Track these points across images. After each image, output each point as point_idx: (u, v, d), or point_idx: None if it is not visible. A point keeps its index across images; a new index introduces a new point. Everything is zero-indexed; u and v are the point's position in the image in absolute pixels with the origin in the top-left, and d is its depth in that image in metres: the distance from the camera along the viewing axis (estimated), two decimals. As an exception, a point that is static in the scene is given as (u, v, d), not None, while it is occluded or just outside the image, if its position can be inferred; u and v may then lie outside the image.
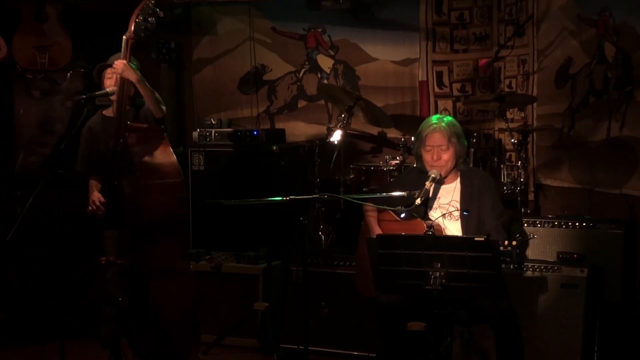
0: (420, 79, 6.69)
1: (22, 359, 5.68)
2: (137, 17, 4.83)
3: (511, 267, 4.99)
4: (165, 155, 4.95)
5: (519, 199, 5.69)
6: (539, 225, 5.37)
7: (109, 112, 5.16)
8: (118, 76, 4.92)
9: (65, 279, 5.45)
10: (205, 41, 7.23)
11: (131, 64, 4.89)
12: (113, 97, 5.02)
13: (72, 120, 6.53)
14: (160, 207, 4.82)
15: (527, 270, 5.12)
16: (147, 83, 4.97)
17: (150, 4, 4.84)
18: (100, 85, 5.17)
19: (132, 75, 4.88)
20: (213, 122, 6.71)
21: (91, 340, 5.53)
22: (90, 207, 5.06)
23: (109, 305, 5.02)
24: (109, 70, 5.10)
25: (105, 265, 4.89)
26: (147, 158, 4.86)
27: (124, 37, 4.87)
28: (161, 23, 6.96)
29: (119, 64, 4.86)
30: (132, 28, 4.83)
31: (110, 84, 5.07)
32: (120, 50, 4.95)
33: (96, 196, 5.05)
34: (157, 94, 5.03)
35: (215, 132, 6.44)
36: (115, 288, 4.93)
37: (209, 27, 7.21)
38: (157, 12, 4.87)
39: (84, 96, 5.05)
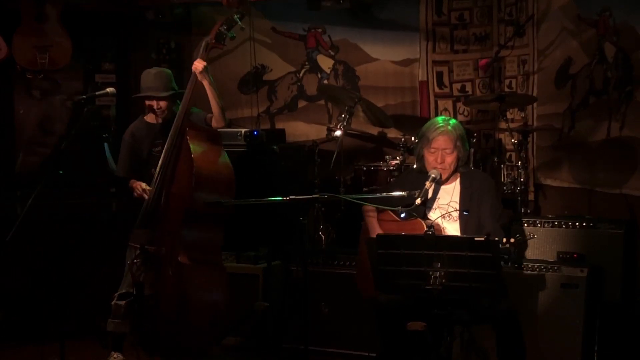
0: (420, 79, 6.68)
1: (22, 359, 5.68)
2: (220, 26, 5.12)
3: (509, 264, 4.98)
4: (220, 155, 5.13)
5: (519, 199, 5.69)
6: (539, 225, 5.38)
7: (150, 118, 5.30)
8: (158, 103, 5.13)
9: (65, 279, 5.46)
10: (205, 41, 7.23)
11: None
12: (151, 120, 5.18)
13: (73, 120, 6.53)
14: (210, 198, 4.94)
15: (527, 270, 5.12)
16: (217, 89, 5.13)
17: (236, 17, 5.09)
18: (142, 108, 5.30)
19: (206, 78, 5.07)
20: (213, 122, 6.71)
21: (91, 340, 5.54)
22: (136, 193, 5.16)
23: (123, 299, 5.05)
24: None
25: (140, 250, 4.91)
26: (204, 153, 5.02)
27: (204, 39, 5.14)
28: (161, 23, 7.02)
29: (200, 63, 5.05)
30: (214, 35, 5.12)
31: (152, 104, 5.19)
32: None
33: (142, 184, 5.15)
34: (222, 103, 5.18)
35: (215, 132, 6.43)
36: (142, 275, 4.95)
37: (209, 27, 7.19)
38: (239, 24, 5.13)
39: (84, 96, 5.08)
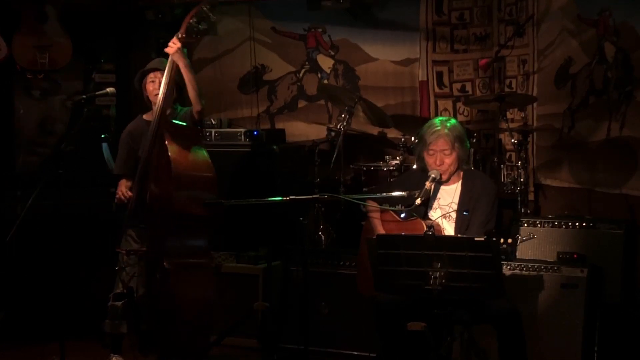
0: (420, 79, 6.68)
1: (22, 359, 5.68)
2: (190, 19, 5.00)
3: (504, 264, 4.99)
4: (199, 153, 5.04)
5: (519, 199, 5.69)
6: (539, 225, 5.37)
7: (149, 117, 5.24)
8: (160, 81, 5.07)
9: (66, 279, 5.45)
10: (205, 41, 7.23)
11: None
12: (148, 118, 5.14)
13: (73, 120, 6.53)
14: (190, 199, 4.88)
15: (526, 270, 5.12)
16: (193, 72, 5.06)
17: (205, 9, 4.99)
18: (141, 91, 5.24)
19: (181, 60, 5.00)
20: (213, 122, 6.71)
21: (91, 340, 5.54)
22: (118, 197, 5.15)
23: (119, 300, 5.05)
24: (151, 74, 5.18)
25: (126, 255, 4.91)
26: (182, 152, 4.94)
27: (175, 36, 5.01)
28: (161, 23, 7.02)
29: (174, 44, 4.97)
30: (184, 29, 5.00)
31: (152, 88, 5.15)
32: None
33: (124, 189, 5.13)
34: (199, 87, 5.10)
35: (215, 132, 6.44)
36: (132, 279, 4.95)
37: (209, 28, 7.20)
38: (210, 17, 5.05)
39: (84, 96, 5.08)
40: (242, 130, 6.43)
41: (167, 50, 5.02)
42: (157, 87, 5.12)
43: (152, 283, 4.90)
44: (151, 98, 5.20)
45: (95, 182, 6.23)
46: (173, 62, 5.01)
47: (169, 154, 4.86)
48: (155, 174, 4.98)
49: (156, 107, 5.05)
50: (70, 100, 6.62)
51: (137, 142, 5.23)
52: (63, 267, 5.31)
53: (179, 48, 4.96)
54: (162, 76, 5.12)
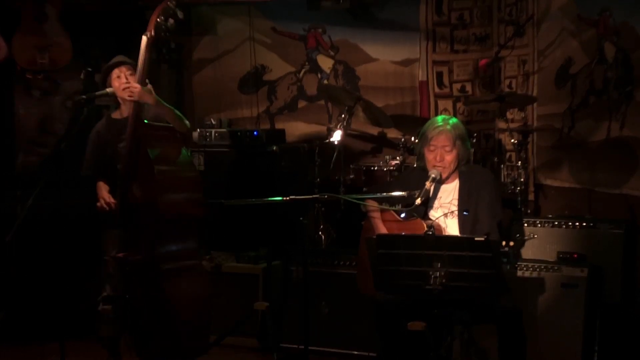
0: (420, 79, 6.68)
1: (22, 359, 5.68)
2: (157, 17, 4.82)
3: (508, 267, 4.99)
4: (180, 152, 4.94)
5: (519, 199, 5.69)
6: (539, 225, 5.38)
7: (117, 115, 5.14)
8: (125, 76, 4.92)
9: (65, 279, 5.45)
10: (205, 41, 7.23)
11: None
12: (116, 116, 5.00)
13: (73, 120, 6.53)
14: (176, 203, 4.82)
15: (527, 270, 5.12)
16: (164, 102, 4.94)
17: (171, 5, 4.84)
18: (105, 86, 5.12)
19: (151, 99, 4.85)
20: (213, 122, 6.72)
21: (91, 340, 5.53)
22: (100, 204, 5.05)
23: (109, 303, 5.02)
24: (115, 70, 5.05)
25: (113, 262, 4.88)
26: (162, 154, 4.85)
27: (143, 36, 4.83)
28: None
29: (136, 90, 4.81)
30: (153, 27, 4.81)
31: (117, 84, 5.02)
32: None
33: (106, 195, 5.04)
34: (177, 111, 4.99)
35: (215, 132, 6.44)
36: (120, 285, 4.92)
37: (209, 27, 7.21)
38: (177, 14, 4.86)
39: (84, 96, 5.05)
40: (242, 130, 6.43)
41: (128, 98, 4.88)
42: (124, 82, 4.98)
43: (145, 287, 4.86)
44: (117, 94, 5.04)
45: (95, 182, 6.22)
46: (139, 104, 4.82)
47: (150, 157, 4.76)
48: (136, 178, 4.87)
49: (130, 109, 4.90)
50: (70, 100, 6.61)
51: (104, 140, 5.10)
52: (63, 267, 5.32)
53: (140, 90, 4.78)
54: (127, 71, 4.99)
